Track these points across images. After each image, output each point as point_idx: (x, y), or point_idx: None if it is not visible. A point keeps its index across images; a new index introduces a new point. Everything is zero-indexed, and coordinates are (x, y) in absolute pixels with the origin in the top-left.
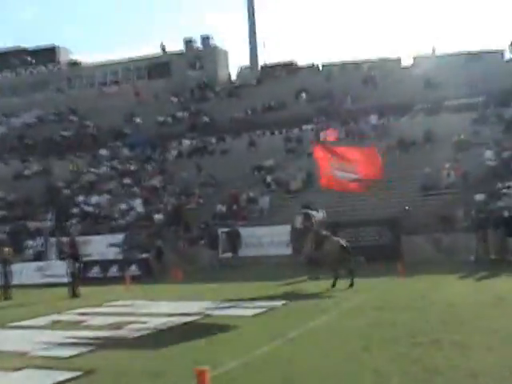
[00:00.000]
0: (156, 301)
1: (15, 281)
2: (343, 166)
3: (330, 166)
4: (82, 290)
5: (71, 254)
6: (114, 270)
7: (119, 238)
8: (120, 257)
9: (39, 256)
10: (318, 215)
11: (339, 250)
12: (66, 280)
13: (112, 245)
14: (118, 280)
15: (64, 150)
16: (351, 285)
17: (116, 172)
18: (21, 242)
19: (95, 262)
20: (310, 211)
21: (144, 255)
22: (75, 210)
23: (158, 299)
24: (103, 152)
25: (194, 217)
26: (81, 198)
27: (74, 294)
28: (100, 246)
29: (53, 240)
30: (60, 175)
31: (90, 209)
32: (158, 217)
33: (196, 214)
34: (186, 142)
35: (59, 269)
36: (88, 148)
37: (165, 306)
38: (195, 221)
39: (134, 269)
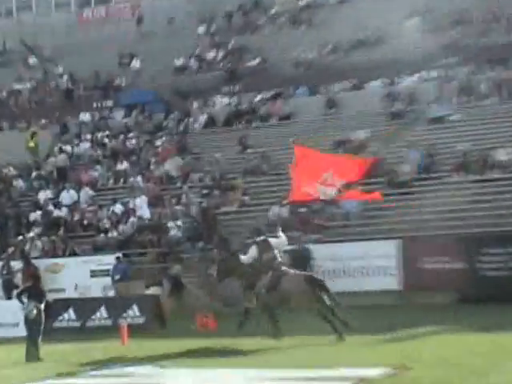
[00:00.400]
0: (172, 367)
1: None
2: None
3: (317, 180)
4: (48, 348)
5: (29, 288)
6: (100, 316)
7: (109, 261)
8: (111, 293)
9: None
10: (279, 242)
11: (304, 285)
12: (19, 333)
13: (97, 273)
14: (107, 332)
15: (17, 114)
16: (340, 336)
17: (104, 151)
18: None
19: (69, 303)
20: (270, 239)
21: (151, 290)
22: (35, 215)
23: (176, 364)
24: (83, 118)
25: (235, 226)
26: (45, 195)
27: (34, 356)
28: (77, 276)
29: None
30: (9, 157)
31: (60, 212)
32: (174, 226)
33: (238, 222)
34: (222, 102)
35: (8, 314)
36: (57, 112)
37: (188, 377)
38: (236, 233)
39: (133, 313)
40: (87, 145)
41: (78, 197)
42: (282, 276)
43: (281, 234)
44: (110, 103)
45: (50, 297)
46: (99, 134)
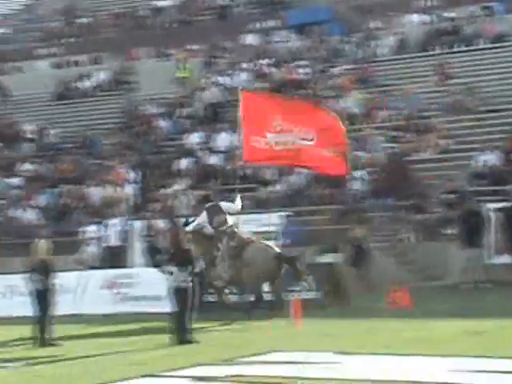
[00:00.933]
0: (354, 354)
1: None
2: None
3: (269, 129)
4: (199, 327)
5: (177, 254)
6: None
7: (274, 221)
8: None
9: (111, 257)
10: (231, 206)
11: (270, 260)
12: (162, 308)
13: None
14: (272, 308)
15: (159, 38)
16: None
17: (268, 83)
18: (71, 230)
19: None
20: (221, 203)
21: (327, 258)
22: (183, 163)
23: (359, 350)
24: (242, 42)
25: (432, 177)
26: (194, 138)
27: (184, 337)
28: None
29: (138, 225)
30: (150, 91)
31: (213, 160)
32: (356, 177)
33: (436, 173)
34: (416, 19)
35: (151, 285)
36: (209, 34)
37: (375, 367)
38: (433, 186)
39: (305, 285)
40: (246, 75)
41: (235, 140)
42: (247, 245)
43: (238, 200)
44: (274, 23)
45: (202, 265)
46: (261, 62)
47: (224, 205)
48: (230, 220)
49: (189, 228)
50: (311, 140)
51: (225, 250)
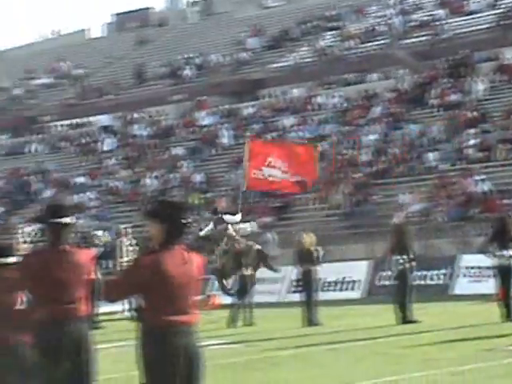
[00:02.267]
0: None
1: None
2: (278, 164)
3: (264, 165)
4: None
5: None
6: None
7: None
8: None
9: None
10: (231, 218)
11: (253, 252)
12: None
13: None
14: None
15: None
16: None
17: None
18: None
19: None
20: (224, 216)
21: None
22: None
23: None
24: None
25: None
26: None
27: None
28: None
29: None
30: None
31: None
32: None
33: None
34: None
35: None
36: None
37: None
38: None
39: None
40: None
41: None
42: (235, 243)
43: (239, 214)
44: None
45: None
46: None
47: (226, 217)
48: (231, 227)
49: (201, 233)
50: (286, 172)
51: (222, 246)
